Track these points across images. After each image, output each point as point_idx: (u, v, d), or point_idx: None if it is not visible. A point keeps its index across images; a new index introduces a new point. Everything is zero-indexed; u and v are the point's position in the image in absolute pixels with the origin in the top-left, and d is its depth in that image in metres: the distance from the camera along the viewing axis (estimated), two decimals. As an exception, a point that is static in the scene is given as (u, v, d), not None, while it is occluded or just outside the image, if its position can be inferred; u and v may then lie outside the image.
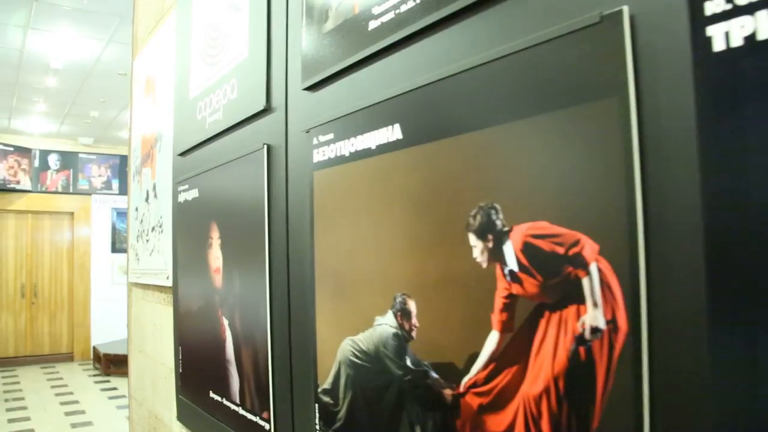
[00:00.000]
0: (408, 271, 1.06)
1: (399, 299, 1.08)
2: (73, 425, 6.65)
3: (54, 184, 10.27)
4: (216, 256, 1.86)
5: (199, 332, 2.01)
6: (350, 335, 1.20)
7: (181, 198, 2.16)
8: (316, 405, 1.31)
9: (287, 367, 1.45)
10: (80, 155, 10.48)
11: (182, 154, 2.20)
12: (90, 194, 10.56)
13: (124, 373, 9.06)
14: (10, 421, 6.78)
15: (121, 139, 10.29)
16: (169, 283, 2.34)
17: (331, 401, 1.26)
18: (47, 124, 9.43)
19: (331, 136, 1.27)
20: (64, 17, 5.53)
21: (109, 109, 8.58)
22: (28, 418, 6.89)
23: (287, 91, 1.49)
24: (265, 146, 1.55)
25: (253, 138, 1.65)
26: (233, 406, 1.74)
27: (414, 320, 1.05)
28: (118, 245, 10.76)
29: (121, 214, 10.81)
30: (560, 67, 0.80)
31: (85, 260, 10.51)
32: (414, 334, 1.05)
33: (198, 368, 2.02)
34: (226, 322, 1.79)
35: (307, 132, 1.36)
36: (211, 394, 1.89)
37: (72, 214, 10.46)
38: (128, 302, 3.11)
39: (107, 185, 10.72)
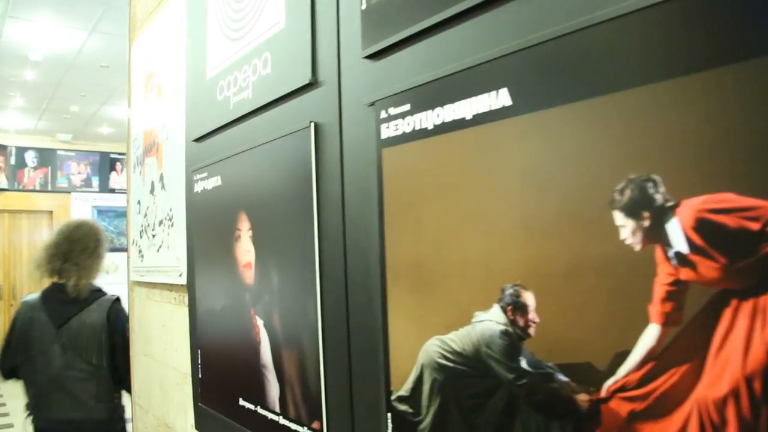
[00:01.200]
0: (522, 259, 0.90)
1: (509, 291, 0.93)
2: (59, 431, 6.39)
3: (31, 182, 9.94)
4: (246, 250, 1.69)
5: (224, 334, 1.83)
6: (437, 334, 1.04)
7: (198, 187, 1.98)
8: (389, 414, 1.15)
9: (344, 372, 1.29)
10: (59, 152, 10.16)
11: (198, 139, 2.02)
12: (69, 192, 10.25)
13: (108, 376, 8.79)
14: (-8, 428, 6.52)
15: (102, 135, 10.01)
16: (183, 281, 2.16)
17: (410, 410, 1.10)
18: (24, 120, 9.11)
19: (406, 107, 1.11)
20: (45, 5, 5.28)
21: (90, 103, 8.30)
22: (11, 425, 6.62)
23: (340, 62, 1.32)
24: (312, 124, 1.38)
25: (294, 116, 1.48)
26: (272, 415, 1.57)
27: (531, 315, 0.90)
28: (99, 244, 10.47)
29: (102, 213, 10.51)
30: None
31: (65, 260, 10.20)
32: (531, 331, 0.90)
33: (223, 373, 1.85)
34: (260, 322, 1.62)
35: (372, 105, 1.19)
36: (242, 402, 1.72)
37: (51, 213, 10.14)
38: (129, 303, 2.92)
39: (87, 183, 10.41)
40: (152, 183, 2.51)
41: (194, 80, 2.04)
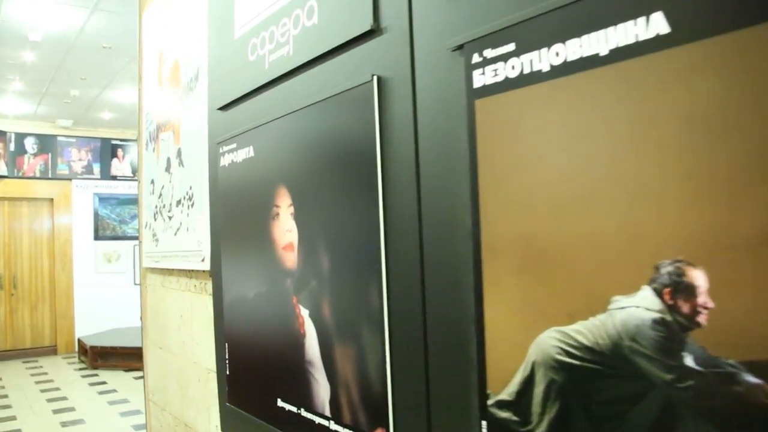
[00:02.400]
0: (687, 228, 0.70)
1: (668, 270, 0.72)
2: (64, 424, 6.23)
3: (31, 169, 9.71)
4: (286, 229, 1.48)
5: (258, 326, 1.63)
6: (557, 325, 0.84)
7: (225, 161, 1.77)
8: (484, 423, 0.94)
9: (419, 371, 1.08)
10: (59, 138, 9.91)
11: (224, 107, 1.81)
12: (70, 179, 10.01)
13: (112, 367, 8.64)
14: (-6, 421, 6.34)
15: (103, 121, 9.76)
16: (205, 266, 1.96)
17: (515, 417, 0.90)
18: (23, 105, 8.86)
19: (509, 47, 0.90)
20: (45, -19, 5.03)
21: (91, 87, 8.06)
22: (13, 417, 6.44)
23: (411, 4, 1.11)
24: (375, 78, 1.17)
25: (348, 71, 1.27)
26: (320, 420, 1.37)
27: (702, 299, 0.69)
28: (101, 232, 10.25)
29: (104, 200, 10.29)
30: None
31: (66, 249, 9.96)
32: (701, 319, 0.69)
33: (257, 370, 1.65)
34: (305, 312, 1.42)
35: (458, 49, 0.98)
36: (281, 403, 1.52)
37: (51, 200, 9.90)
38: (141, 291, 2.71)
39: (88, 170, 10.18)
40: (168, 160, 2.30)
41: (219, 42, 1.82)
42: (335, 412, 1.31)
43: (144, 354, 2.69)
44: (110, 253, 10.21)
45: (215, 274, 1.89)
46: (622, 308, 0.76)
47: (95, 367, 8.74)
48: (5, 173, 9.47)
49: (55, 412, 6.66)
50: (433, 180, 1.04)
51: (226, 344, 1.80)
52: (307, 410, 1.42)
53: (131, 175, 10.48)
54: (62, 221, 9.93)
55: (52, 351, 9.84)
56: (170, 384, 2.36)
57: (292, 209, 1.46)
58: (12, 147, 9.56)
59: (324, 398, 1.36)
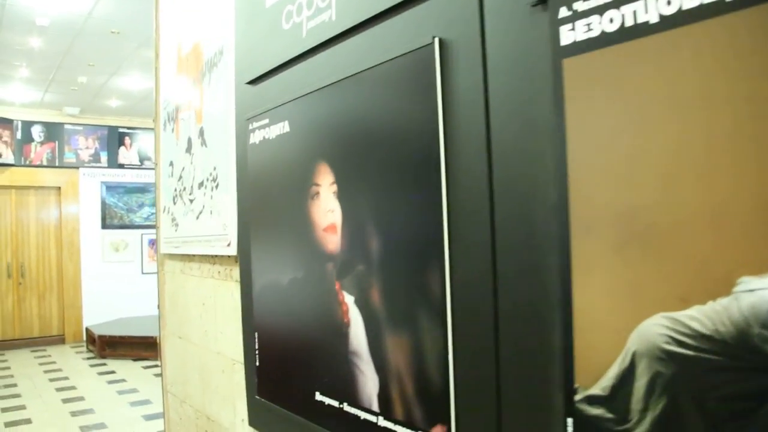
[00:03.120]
0: None
1: (818, 247, 0.62)
2: (73, 413, 6.16)
3: (38, 157, 9.62)
4: (328, 209, 1.38)
5: (293, 314, 1.53)
6: (665, 310, 0.74)
7: (255, 138, 1.67)
8: (570, 420, 0.84)
9: (488, 362, 0.98)
10: (66, 126, 9.81)
11: (253, 81, 1.70)
12: (77, 168, 9.92)
13: (121, 356, 8.57)
14: (4, 410, 6.27)
15: (110, 108, 9.67)
16: (231, 251, 1.86)
17: (610, 415, 0.80)
18: (29, 93, 8.77)
19: (606, -6, 0.79)
20: (54, -37, 4.92)
21: (99, 74, 7.95)
22: (23, 407, 6.38)
23: (478, -46, 1.00)
24: (436, 40, 1.06)
25: (402, 35, 1.16)
26: (366, 415, 1.27)
27: None
28: (108, 221, 10.16)
29: (111, 189, 10.20)
30: None
31: (73, 237, 9.89)
32: None
33: (291, 362, 1.55)
34: (349, 299, 1.32)
35: (539, 4, 0.88)
36: (319, 397, 1.43)
37: (59, 189, 9.82)
38: (159, 278, 2.62)
39: (95, 158, 10.09)
40: (189, 140, 2.20)
41: (248, 12, 1.72)
42: (385, 406, 1.22)
43: (161, 344, 2.59)
44: (118, 242, 10.13)
45: (243, 259, 1.79)
46: (752, 291, 0.66)
47: (103, 357, 8.68)
48: (12, 161, 9.38)
49: (65, 401, 6.59)
50: (508, 151, 0.94)
51: (256, 334, 1.71)
52: (350, 404, 1.32)
53: (139, 163, 10.40)
54: (69, 210, 9.85)
55: (60, 340, 9.78)
56: (191, 375, 2.27)
57: (335, 188, 1.36)
58: (19, 135, 9.47)
59: (371, 392, 1.26)
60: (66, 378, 7.66)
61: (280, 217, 1.57)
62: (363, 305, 1.28)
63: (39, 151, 9.60)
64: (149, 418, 5.93)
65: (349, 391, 1.33)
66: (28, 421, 5.86)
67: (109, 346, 8.58)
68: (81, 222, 9.93)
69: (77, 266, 9.82)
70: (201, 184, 2.09)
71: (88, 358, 8.86)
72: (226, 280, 1.97)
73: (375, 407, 1.25)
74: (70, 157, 9.81)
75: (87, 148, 9.96)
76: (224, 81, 1.90)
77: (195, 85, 2.14)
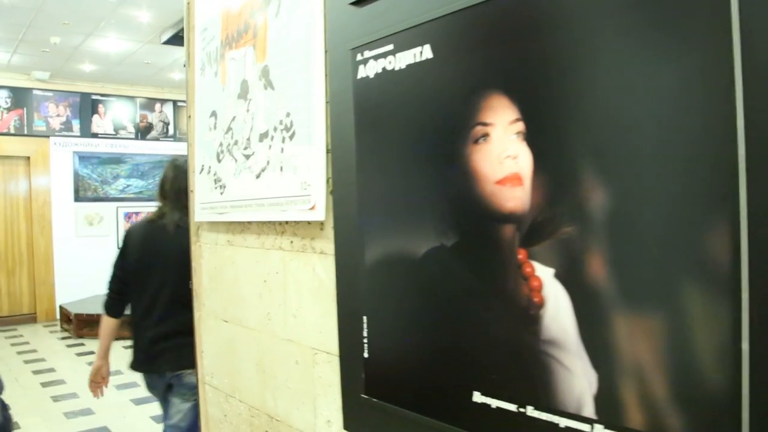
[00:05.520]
0: None
1: None
2: (55, 398, 5.73)
3: (5, 124, 8.98)
4: (505, 156, 1.03)
5: (434, 293, 1.18)
6: None
7: (368, 70, 1.30)
8: None
9: None
10: (35, 92, 9.17)
11: (360, 1, 1.33)
12: (48, 137, 9.31)
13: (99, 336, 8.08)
14: (-23, 395, 5.79)
15: (83, 73, 9.05)
16: (317, 215, 1.49)
17: None
18: (-5, 54, 8.13)
19: None
20: None
21: (74, 34, 7.37)
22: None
23: None
24: None
25: None
26: (570, 422, 0.94)
27: None
28: (81, 193, 9.59)
29: (85, 159, 9.61)
30: None
31: (45, 211, 9.30)
32: None
33: (429, 354, 1.20)
34: (545, 272, 0.97)
35: None
36: (480, 398, 1.09)
37: (28, 158, 9.20)
38: (193, 251, 2.23)
39: (67, 126, 9.47)
40: (243, 84, 1.81)
41: None
42: (608, 411, 0.88)
43: (196, 327, 2.21)
44: (92, 215, 9.59)
45: (340, 225, 1.42)
46: None
47: (80, 336, 8.20)
48: (-23, 128, 8.75)
49: (44, 385, 6.15)
50: None
51: (365, 318, 1.35)
52: (541, 408, 0.98)
53: (113, 132, 9.83)
54: (40, 182, 9.26)
55: (31, 319, 9.25)
56: (243, 366, 1.90)
57: (518, 126, 1.00)
58: (-17, 100, 8.82)
59: (581, 392, 0.93)
60: (43, 360, 7.19)
61: (412, 169, 1.20)
62: (571, 279, 0.94)
63: (5, 119, 8.97)
64: (139, 402, 5.54)
65: (538, 391, 0.99)
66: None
67: (87, 326, 8.10)
68: (52, 194, 9.36)
69: (49, 241, 9.27)
70: (264, 135, 1.70)
71: (64, 338, 8.38)
72: (304, 252, 1.60)
73: (589, 412, 0.91)
74: (40, 125, 9.20)
75: (58, 115, 9.36)
76: (305, 5, 1.52)
77: (255, 15, 1.74)
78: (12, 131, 8.99)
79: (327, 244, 1.50)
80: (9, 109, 8.98)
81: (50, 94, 9.26)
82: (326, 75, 1.47)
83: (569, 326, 0.95)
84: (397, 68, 1.24)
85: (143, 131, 10.19)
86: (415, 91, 1.19)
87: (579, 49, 0.92)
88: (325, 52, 1.47)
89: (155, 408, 5.33)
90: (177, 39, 7.39)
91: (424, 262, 1.20)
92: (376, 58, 1.29)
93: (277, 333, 1.72)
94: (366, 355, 1.35)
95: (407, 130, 1.22)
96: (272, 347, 1.75)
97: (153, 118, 10.29)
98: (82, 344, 7.95)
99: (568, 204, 0.94)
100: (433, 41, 1.15)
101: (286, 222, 1.66)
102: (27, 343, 8.09)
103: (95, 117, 9.68)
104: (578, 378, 0.94)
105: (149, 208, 9.76)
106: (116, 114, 9.89)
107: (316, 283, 1.55)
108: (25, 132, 9.08)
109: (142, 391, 5.74)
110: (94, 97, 9.66)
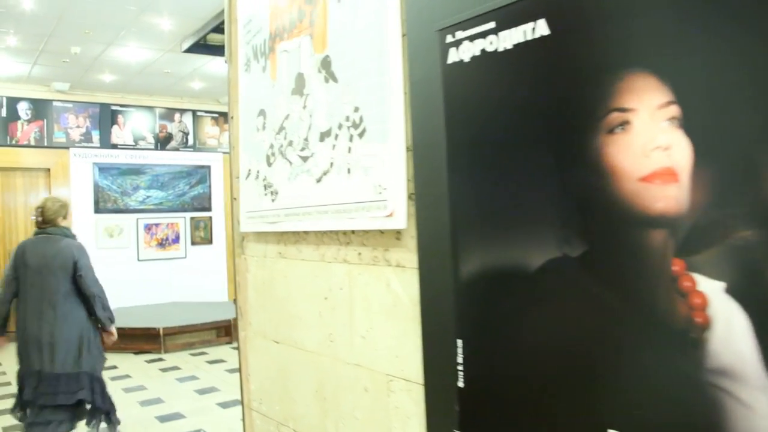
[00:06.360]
0: None
1: None
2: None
3: (26, 136, 8.90)
4: (654, 146, 0.85)
5: (554, 312, 0.99)
6: None
7: (462, 53, 1.13)
8: None
9: None
10: (54, 103, 9.09)
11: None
12: (68, 148, 9.21)
13: (120, 349, 7.93)
14: (1, 412, 5.66)
15: (102, 84, 8.97)
16: (395, 223, 1.31)
17: None
18: (16, 65, 8.04)
19: None
20: None
21: (94, 43, 7.27)
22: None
23: None
24: None
25: None
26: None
27: None
28: (101, 205, 9.48)
29: (104, 170, 9.51)
30: None
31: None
32: None
33: (547, 384, 1.01)
34: (712, 286, 0.79)
35: None
36: (621, 438, 0.89)
37: (48, 170, 9.11)
38: (237, 264, 2.06)
39: (87, 138, 9.38)
40: (299, 77, 1.64)
41: None
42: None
43: (240, 347, 2.04)
44: (112, 227, 9.47)
45: (425, 234, 1.24)
46: None
47: (105, 349, 8.02)
48: (-3, 141, 8.67)
49: (67, 401, 5.97)
50: None
51: (459, 342, 1.16)
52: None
53: (133, 143, 9.73)
54: (60, 193, 9.15)
55: (52, 333, 9.11)
56: (299, 392, 1.72)
57: (671, 111, 0.82)
58: (4, 113, 8.75)
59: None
60: (65, 374, 7.02)
61: (523, 166, 1.03)
62: (750, 295, 0.75)
63: (26, 130, 8.89)
64: (164, 419, 5.37)
65: (701, 429, 0.80)
66: (29, 426, 5.26)
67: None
68: (72, 206, 9.23)
69: (69, 253, 9.13)
70: (326, 134, 1.53)
71: (86, 352, 8.21)
72: (375, 265, 1.42)
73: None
74: (59, 137, 9.11)
75: (78, 126, 9.26)
76: (376, -15, 1.35)
77: (311, 1, 1.57)
78: (32, 143, 8.91)
79: (406, 255, 1.32)
80: (29, 121, 8.90)
81: (70, 105, 9.18)
82: (404, 62, 1.29)
83: (747, 352, 0.76)
84: (501, 49, 1.06)
85: (163, 141, 10.08)
86: (526, 74, 1.02)
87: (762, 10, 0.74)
88: (403, 36, 1.29)
89: (182, 425, 5.17)
90: (198, 47, 7.28)
91: (542, 276, 1.01)
92: (472, 38, 1.12)
93: (342, 356, 1.54)
94: (461, 384, 1.17)
95: (516, 121, 1.04)
96: (335, 372, 1.57)
97: (172, 128, 10.18)
98: (105, 358, 7.80)
99: (744, 203, 0.76)
100: (550, 14, 0.97)
101: (352, 231, 1.49)
102: (48, 357, 7.95)
103: (115, 128, 9.59)
104: (762, 417, 0.75)
105: (169, 219, 9.66)
106: (135, 124, 9.80)
107: (391, 300, 1.37)
108: (45, 144, 9.00)
109: (166, 407, 5.60)
110: (113, 107, 9.57)
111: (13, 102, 8.80)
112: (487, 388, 1.12)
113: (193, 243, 10.26)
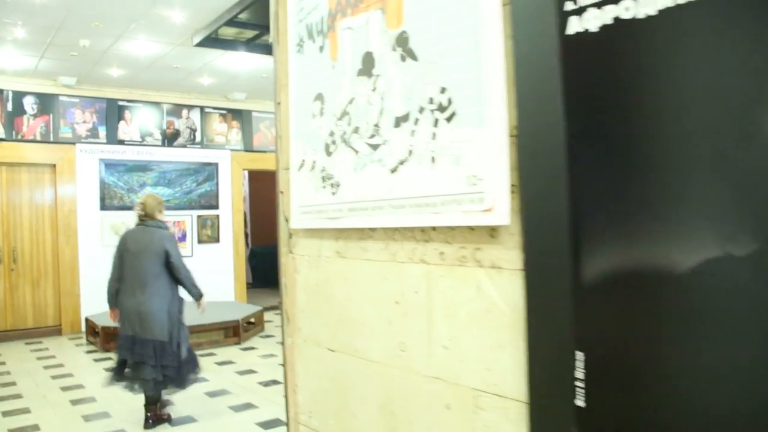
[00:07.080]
0: None
1: None
2: (86, 417, 5.40)
3: (31, 131, 8.72)
4: None
5: (715, 324, 0.84)
6: None
7: (589, 23, 0.97)
8: None
9: None
10: (61, 98, 8.91)
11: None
12: (74, 144, 9.03)
13: (128, 349, 7.77)
14: (5, 413, 5.50)
15: (110, 78, 8.80)
16: (496, 218, 1.15)
17: None
18: (23, 59, 7.87)
19: None
20: None
21: (104, 36, 7.10)
22: (26, 410, 5.60)
23: None
24: None
25: None
26: None
27: None
28: (108, 202, 9.31)
29: (111, 166, 9.34)
30: None
31: (70, 219, 9.01)
32: None
33: (705, 406, 0.85)
34: None
35: None
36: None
37: (54, 166, 8.93)
38: (284, 264, 1.89)
39: (93, 133, 9.21)
40: (367, 57, 1.48)
41: None
42: None
43: (286, 355, 1.87)
44: (118, 224, 9.27)
45: (533, 231, 1.08)
46: None
47: (107, 350, 7.87)
48: (2, 136, 8.51)
49: (74, 403, 5.83)
50: None
51: (579, 354, 1.00)
52: None
53: (140, 139, 9.56)
54: (66, 189, 9.00)
55: (56, 331, 8.96)
56: (359, 406, 1.55)
57: None
58: (9, 107, 8.58)
59: None
60: (70, 375, 6.88)
61: (671, 150, 0.86)
62: None
63: (32, 125, 8.72)
64: (176, 422, 5.21)
65: None
66: (36, 428, 5.09)
67: (113, 339, 7.76)
68: (78, 202, 9.09)
69: (74, 251, 8.99)
70: (403, 119, 1.36)
71: (90, 352, 8.08)
72: (462, 266, 1.26)
73: None
74: (65, 132, 8.94)
75: (84, 122, 9.10)
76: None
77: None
78: (38, 138, 8.74)
79: (503, 254, 1.16)
80: (35, 116, 8.73)
81: (76, 100, 9.01)
82: (506, 36, 1.13)
83: None
84: (641, 15, 0.90)
85: (170, 138, 9.91)
86: (676, 45, 0.85)
87: None
88: (504, 5, 1.13)
89: (195, 429, 5.01)
90: (210, 41, 7.11)
91: (696, 279, 0.85)
92: (600, 5, 0.95)
93: (417, 368, 1.38)
94: (581, 403, 1.01)
95: (662, 99, 0.88)
96: (407, 386, 1.40)
97: (180, 124, 10.01)
98: (109, 358, 7.62)
99: None
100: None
101: (432, 228, 1.32)
102: (53, 357, 7.79)
103: (121, 123, 9.42)
104: None
105: (176, 217, 9.47)
106: (142, 120, 9.63)
107: (483, 305, 1.21)
108: (51, 139, 8.82)
109: (179, 410, 5.42)
110: (120, 103, 9.40)
111: (19, 96, 8.63)
112: (618, 409, 0.96)
113: (200, 241, 10.10)
